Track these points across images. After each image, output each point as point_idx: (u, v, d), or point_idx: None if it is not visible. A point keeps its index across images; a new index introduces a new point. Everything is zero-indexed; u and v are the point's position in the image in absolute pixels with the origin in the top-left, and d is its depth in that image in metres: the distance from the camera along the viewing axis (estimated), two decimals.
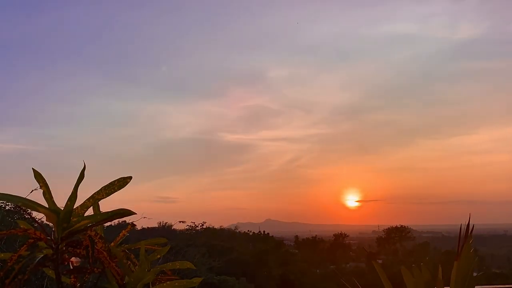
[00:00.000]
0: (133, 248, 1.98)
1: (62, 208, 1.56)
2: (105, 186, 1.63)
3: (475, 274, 1.71)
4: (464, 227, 1.71)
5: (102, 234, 1.79)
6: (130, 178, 1.64)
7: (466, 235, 1.68)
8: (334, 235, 56.32)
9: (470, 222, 1.72)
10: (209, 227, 40.85)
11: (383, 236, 56.61)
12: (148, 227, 32.49)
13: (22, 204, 1.51)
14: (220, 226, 45.80)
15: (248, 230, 51.49)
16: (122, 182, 1.63)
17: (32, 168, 1.59)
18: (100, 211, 1.76)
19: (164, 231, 35.79)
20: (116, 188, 1.63)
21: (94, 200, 1.63)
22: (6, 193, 1.51)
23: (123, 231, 2.00)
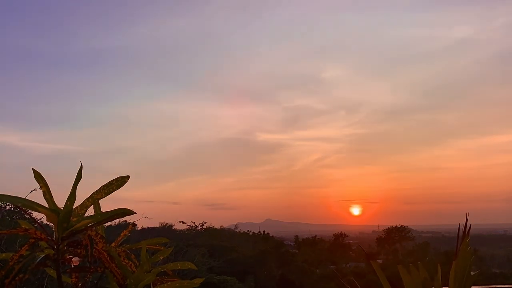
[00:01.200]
0: (134, 248, 1.98)
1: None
2: (103, 186, 1.64)
3: (473, 273, 1.72)
4: (462, 227, 1.72)
5: (103, 234, 1.79)
6: (128, 177, 1.65)
7: (464, 235, 1.69)
8: (334, 235, 56.28)
9: (468, 222, 1.73)
10: (209, 227, 40.87)
11: (383, 236, 56.59)
12: (148, 227, 32.49)
13: (22, 205, 1.52)
14: (220, 226, 45.81)
15: (248, 230, 51.49)
16: (120, 182, 1.64)
17: (32, 168, 1.60)
18: (100, 211, 1.77)
19: (164, 231, 35.77)
20: (114, 187, 1.64)
21: (93, 199, 1.64)
22: (5, 194, 1.52)
23: (124, 231, 2.00)
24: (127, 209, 1.55)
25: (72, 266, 1.73)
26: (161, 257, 2.02)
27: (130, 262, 1.81)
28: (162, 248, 2.05)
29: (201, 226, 39.58)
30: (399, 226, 56.01)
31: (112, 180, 1.64)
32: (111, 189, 1.64)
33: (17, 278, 1.40)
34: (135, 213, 1.54)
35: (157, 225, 37.50)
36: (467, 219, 1.73)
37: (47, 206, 1.57)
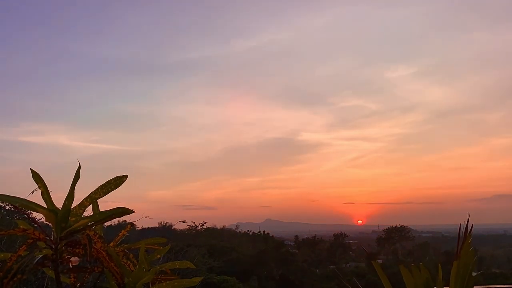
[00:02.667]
0: (133, 247, 1.98)
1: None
2: (101, 185, 1.63)
3: (474, 274, 1.71)
4: (463, 227, 1.71)
5: (102, 234, 1.79)
6: (126, 176, 1.64)
7: (465, 235, 1.68)
8: (334, 235, 56.27)
9: (469, 222, 1.72)
10: (209, 227, 40.90)
11: (383, 236, 56.59)
12: (148, 227, 32.53)
13: (20, 205, 1.51)
14: (221, 226, 45.83)
15: (248, 230, 51.50)
16: (118, 181, 1.63)
17: (30, 169, 1.59)
18: (99, 211, 1.76)
19: (164, 231, 35.79)
20: (112, 187, 1.63)
21: (91, 199, 1.63)
22: (5, 194, 1.51)
23: (123, 230, 1.99)
24: (125, 208, 1.54)
25: (71, 266, 1.72)
26: (158, 256, 2.02)
27: (129, 262, 1.80)
28: (161, 247, 2.04)
29: (201, 226, 39.62)
30: (399, 226, 56.02)
31: (110, 180, 1.63)
32: (109, 189, 1.63)
33: (15, 279, 1.39)
34: (134, 211, 1.53)
35: (157, 225, 37.55)
36: (468, 219, 1.72)
37: (45, 206, 1.56)
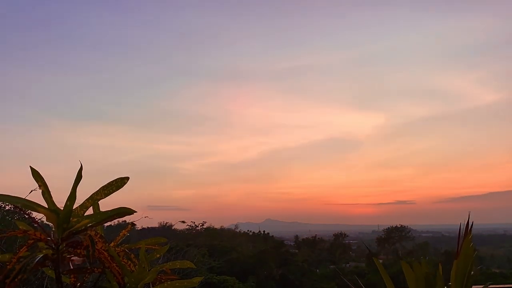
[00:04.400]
0: (133, 247, 1.98)
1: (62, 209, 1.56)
2: (103, 187, 1.63)
3: (473, 272, 1.71)
4: (463, 226, 1.72)
5: (102, 234, 1.79)
6: (127, 178, 1.64)
7: (466, 234, 1.69)
8: (334, 235, 56.23)
9: (469, 221, 1.73)
10: (209, 227, 40.86)
11: (383, 236, 56.55)
12: (148, 227, 32.50)
13: (22, 205, 1.51)
14: (221, 226, 45.79)
15: (248, 230, 51.45)
16: (119, 182, 1.64)
17: (30, 166, 1.58)
18: (100, 211, 1.76)
19: (164, 231, 35.76)
20: (114, 188, 1.63)
21: (93, 200, 1.63)
22: (5, 194, 1.51)
23: (123, 230, 2.00)
24: (127, 208, 1.54)
25: (71, 267, 1.72)
26: (158, 255, 2.02)
27: (129, 262, 1.80)
28: (161, 247, 2.04)
29: (201, 226, 39.59)
30: (399, 226, 55.98)
31: (111, 181, 1.63)
32: (110, 190, 1.63)
33: (16, 279, 1.39)
34: (135, 211, 1.53)
35: (157, 225, 37.52)
36: (469, 217, 1.72)
37: (46, 205, 1.56)
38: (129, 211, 1.53)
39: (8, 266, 1.39)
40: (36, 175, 1.58)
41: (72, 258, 1.65)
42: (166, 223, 38.76)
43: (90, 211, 1.68)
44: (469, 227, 1.69)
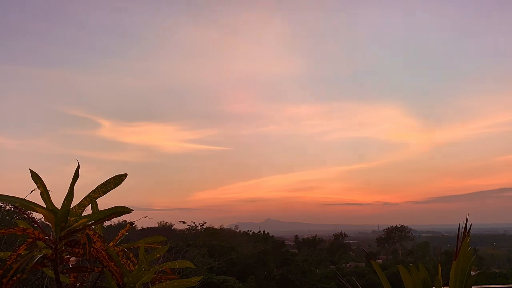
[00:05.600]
0: (132, 247, 1.98)
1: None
2: (101, 185, 1.63)
3: (473, 273, 1.71)
4: (462, 227, 1.71)
5: (101, 234, 1.78)
6: (125, 175, 1.64)
7: (464, 234, 1.68)
8: (334, 235, 56.25)
9: (468, 222, 1.72)
10: (209, 227, 40.82)
11: (383, 236, 56.57)
12: (148, 227, 32.48)
13: (20, 205, 1.51)
14: (220, 226, 45.78)
15: (248, 230, 51.39)
16: (118, 180, 1.63)
17: (29, 169, 1.59)
18: (98, 210, 1.76)
19: (164, 230, 35.73)
20: (112, 186, 1.63)
21: (91, 199, 1.63)
22: (4, 194, 1.51)
23: (122, 230, 1.99)
24: (124, 207, 1.54)
25: (70, 266, 1.72)
26: (158, 255, 2.02)
27: (129, 261, 1.80)
28: (160, 246, 2.04)
29: (201, 226, 39.56)
30: (399, 226, 55.99)
31: (110, 179, 1.63)
32: (108, 188, 1.63)
33: (14, 278, 1.39)
34: (132, 210, 1.53)
35: (156, 225, 37.51)
36: (467, 219, 1.72)
37: (45, 206, 1.56)
38: (126, 210, 1.53)
39: (8, 262, 1.38)
40: (35, 177, 1.59)
41: (69, 258, 1.65)
42: (166, 223, 38.76)
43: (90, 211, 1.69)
44: (468, 228, 1.69)
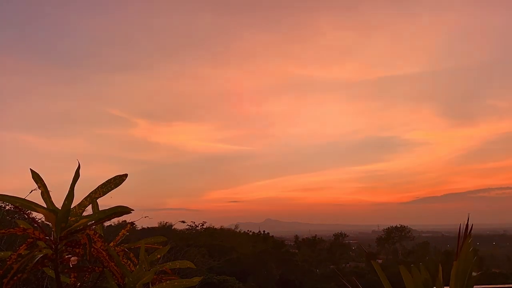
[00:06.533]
0: (133, 247, 1.97)
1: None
2: (101, 185, 1.63)
3: (474, 274, 1.71)
4: (463, 227, 1.71)
5: (102, 234, 1.78)
6: (126, 175, 1.64)
7: (465, 235, 1.68)
8: (334, 235, 56.22)
9: (469, 222, 1.72)
10: (209, 227, 40.80)
11: (383, 236, 56.53)
12: (148, 227, 32.43)
13: (20, 205, 1.51)
14: (220, 226, 45.76)
15: (248, 230, 51.41)
16: (118, 180, 1.63)
17: (30, 169, 1.59)
18: (98, 210, 1.76)
19: (164, 230, 35.68)
20: (112, 186, 1.63)
21: (91, 199, 1.63)
22: (4, 194, 1.51)
23: (123, 230, 1.99)
24: (124, 206, 1.53)
25: (71, 266, 1.72)
26: (159, 256, 2.01)
27: (129, 261, 1.80)
28: (161, 247, 2.04)
29: (201, 226, 39.55)
30: (399, 226, 55.96)
31: (110, 179, 1.63)
32: (109, 188, 1.63)
33: (15, 278, 1.39)
34: (133, 210, 1.53)
35: (156, 225, 37.48)
36: (468, 219, 1.72)
37: (45, 206, 1.56)
38: (127, 210, 1.53)
39: (8, 262, 1.38)
40: (35, 177, 1.59)
41: (70, 258, 1.65)
42: (166, 223, 38.73)
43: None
44: (469, 229, 1.69)
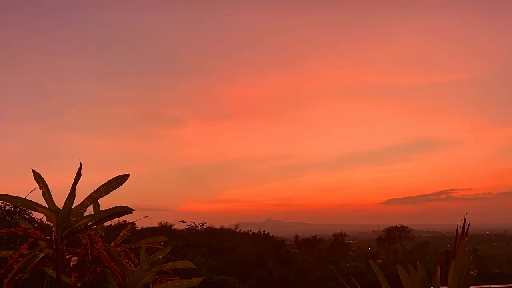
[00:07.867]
0: (133, 247, 1.98)
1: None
2: (103, 185, 1.64)
3: (472, 272, 1.72)
4: (460, 227, 1.72)
5: (103, 234, 1.79)
6: (128, 175, 1.65)
7: (462, 234, 1.69)
8: (334, 235, 56.23)
9: (466, 221, 1.73)
10: (209, 227, 40.84)
11: (383, 236, 56.54)
12: (148, 227, 32.42)
13: (21, 204, 1.52)
14: (221, 226, 45.77)
15: (248, 230, 51.44)
16: (120, 180, 1.64)
17: (32, 169, 1.60)
18: (100, 210, 1.77)
19: (164, 230, 35.67)
20: (114, 186, 1.64)
21: (92, 199, 1.64)
22: (5, 193, 1.52)
23: (124, 230, 2.00)
24: (125, 206, 1.54)
25: (71, 266, 1.73)
26: (160, 256, 2.02)
27: (130, 262, 1.81)
28: (161, 247, 2.05)
29: (201, 226, 39.56)
30: (399, 226, 55.97)
31: (111, 179, 1.64)
32: (110, 188, 1.63)
33: (16, 278, 1.40)
34: (134, 210, 1.54)
35: (157, 225, 37.48)
36: (465, 219, 1.73)
37: (46, 206, 1.57)
38: (128, 210, 1.54)
39: (9, 262, 1.39)
40: (37, 176, 1.60)
41: (71, 257, 1.66)
42: (166, 223, 38.74)
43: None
44: (466, 228, 1.70)
